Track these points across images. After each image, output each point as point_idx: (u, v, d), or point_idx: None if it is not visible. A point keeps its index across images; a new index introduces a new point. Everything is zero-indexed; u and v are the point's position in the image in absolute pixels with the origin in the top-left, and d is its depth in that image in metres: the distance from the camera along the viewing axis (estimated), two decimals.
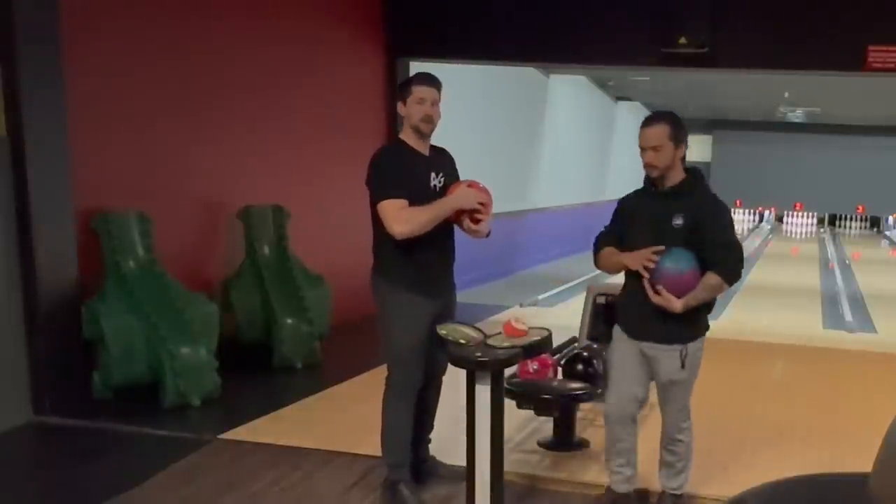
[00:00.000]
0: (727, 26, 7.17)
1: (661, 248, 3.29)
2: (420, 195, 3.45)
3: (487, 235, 3.62)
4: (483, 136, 10.54)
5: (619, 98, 18.49)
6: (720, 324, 8.87)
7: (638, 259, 3.35)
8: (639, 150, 3.36)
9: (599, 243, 3.55)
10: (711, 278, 3.32)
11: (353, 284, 7.53)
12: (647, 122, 3.41)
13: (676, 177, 3.40)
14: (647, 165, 3.37)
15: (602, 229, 3.58)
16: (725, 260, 3.35)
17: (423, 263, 3.51)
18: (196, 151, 5.76)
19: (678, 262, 3.27)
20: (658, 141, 3.33)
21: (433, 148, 3.65)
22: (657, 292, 3.30)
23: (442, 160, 3.66)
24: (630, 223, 3.48)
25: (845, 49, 7.05)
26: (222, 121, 6.00)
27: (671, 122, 3.38)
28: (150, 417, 4.72)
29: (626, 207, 3.54)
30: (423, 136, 3.55)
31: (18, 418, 4.61)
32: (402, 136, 3.58)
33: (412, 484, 3.69)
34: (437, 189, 3.54)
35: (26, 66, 4.48)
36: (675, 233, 3.33)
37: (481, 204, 3.54)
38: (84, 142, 4.82)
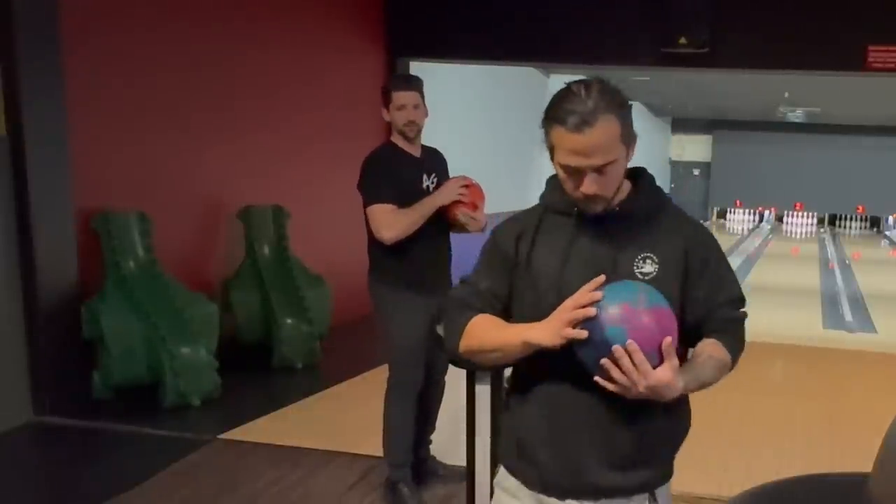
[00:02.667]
0: (727, 26, 7.17)
1: (600, 279, 1.66)
2: (412, 197, 3.47)
3: (483, 230, 3.62)
4: (483, 136, 10.54)
5: None
6: None
7: (564, 320, 1.64)
8: (559, 167, 1.77)
9: (462, 315, 1.87)
10: (720, 352, 1.83)
11: (353, 284, 7.52)
12: (577, 119, 1.68)
13: (620, 188, 1.82)
14: (586, 199, 1.76)
15: (457, 289, 1.94)
16: (736, 329, 1.89)
17: (418, 262, 3.52)
18: (196, 151, 5.76)
19: (648, 294, 1.67)
20: (606, 152, 1.72)
21: (425, 149, 3.66)
22: (612, 377, 1.61)
23: (434, 161, 3.66)
24: (533, 280, 1.83)
25: (845, 49, 7.05)
26: (223, 121, 6.00)
27: (618, 112, 1.72)
28: (150, 417, 4.72)
29: (522, 249, 1.85)
30: (411, 139, 3.56)
31: (18, 418, 4.61)
32: (393, 139, 3.60)
33: (412, 484, 3.69)
34: (429, 190, 3.54)
35: (26, 66, 4.48)
36: None
37: (463, 190, 3.54)
38: (84, 142, 4.82)
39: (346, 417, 4.83)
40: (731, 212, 25.58)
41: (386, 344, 3.61)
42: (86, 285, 4.87)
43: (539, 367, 1.80)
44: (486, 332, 1.83)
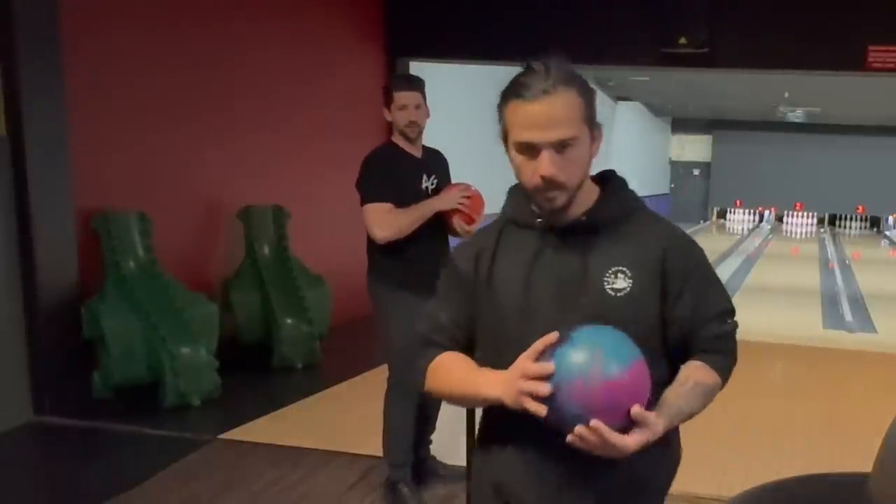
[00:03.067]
0: (727, 26, 7.17)
1: (550, 338, 1.46)
2: (411, 198, 3.46)
3: None
4: (483, 137, 10.52)
5: (619, 98, 18.49)
6: None
7: (520, 388, 1.47)
8: (515, 153, 1.60)
9: (424, 356, 1.74)
10: (708, 376, 1.65)
11: (353, 284, 7.53)
12: (536, 89, 1.55)
13: (586, 192, 1.65)
14: (544, 185, 1.57)
15: (420, 323, 1.78)
16: (726, 344, 1.72)
17: (416, 263, 3.51)
18: (196, 151, 5.76)
19: (604, 361, 1.44)
20: (566, 125, 1.55)
21: (426, 150, 3.65)
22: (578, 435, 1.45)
23: (435, 162, 3.66)
24: (495, 301, 1.67)
25: (845, 49, 7.05)
26: (223, 121, 6.00)
27: (579, 88, 1.60)
28: (150, 417, 4.72)
29: (482, 268, 1.70)
30: (412, 139, 3.55)
31: (18, 418, 4.61)
32: (394, 139, 3.59)
33: (412, 484, 3.69)
34: (429, 191, 3.54)
35: (26, 66, 4.48)
36: (614, 308, 1.59)
37: (465, 200, 3.53)
38: (84, 142, 4.82)
39: (346, 417, 4.83)
40: (731, 212, 25.58)
41: (385, 344, 3.61)
42: (86, 285, 4.87)
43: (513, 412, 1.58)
44: (448, 377, 1.69)
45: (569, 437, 1.43)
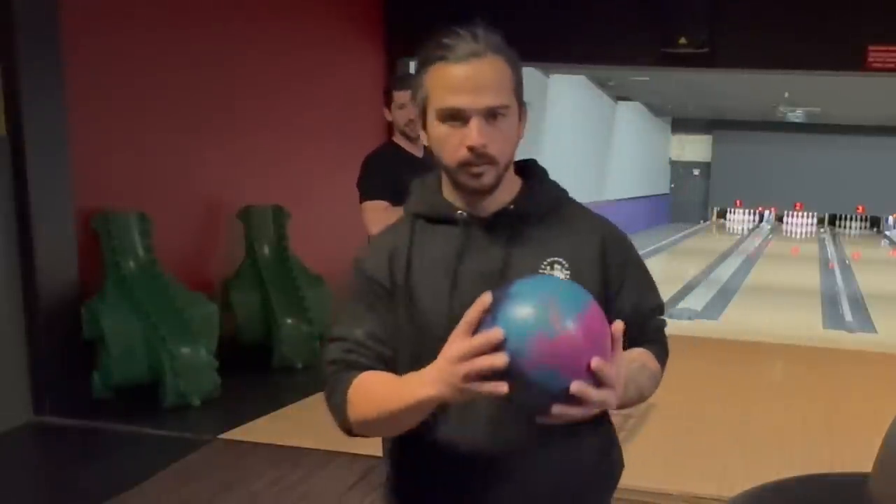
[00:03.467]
0: (727, 26, 7.17)
1: (486, 299, 1.23)
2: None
3: None
4: None
5: (619, 98, 18.49)
6: (720, 323, 8.91)
7: (460, 374, 1.23)
8: (437, 122, 1.44)
9: (339, 382, 1.52)
10: (652, 362, 1.57)
11: None
12: (465, 51, 1.42)
13: (510, 181, 1.51)
14: (471, 165, 1.42)
15: (328, 350, 1.55)
16: (662, 338, 1.65)
17: None
18: (196, 151, 5.76)
19: (560, 303, 1.23)
20: (497, 92, 1.42)
21: (427, 149, 3.66)
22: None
23: (433, 162, 3.66)
24: (415, 310, 1.49)
25: (845, 49, 7.05)
26: (223, 121, 6.00)
27: (508, 58, 1.47)
28: (150, 417, 4.72)
29: (397, 274, 1.50)
30: (413, 138, 3.56)
31: (18, 418, 4.61)
32: (395, 138, 3.60)
33: None
34: None
35: (26, 66, 4.48)
36: None
37: None
38: (84, 142, 4.82)
39: None
40: (731, 212, 25.57)
41: None
42: (86, 285, 4.87)
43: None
44: (372, 396, 1.41)
45: (555, 409, 1.19)
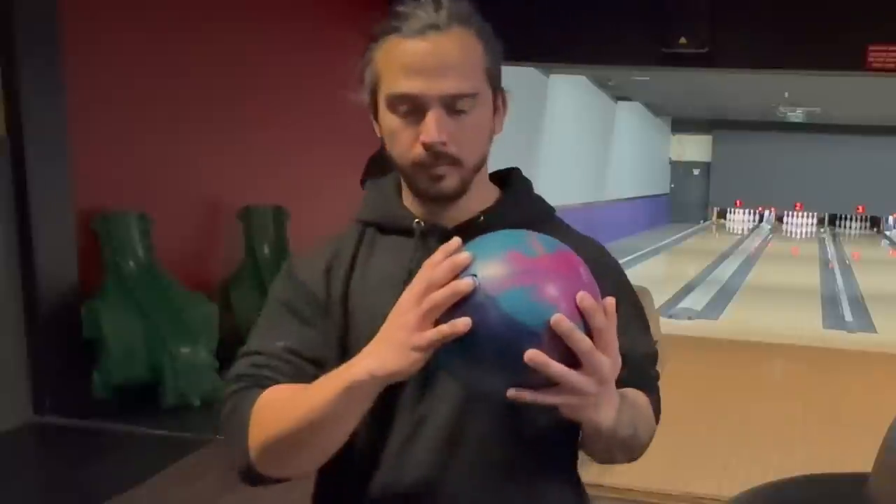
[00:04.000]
0: (727, 26, 7.17)
1: (455, 241, 1.00)
2: None
3: None
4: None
5: (619, 98, 18.50)
6: (720, 323, 8.91)
7: (411, 322, 0.98)
8: (388, 112, 1.20)
9: (243, 401, 1.23)
10: (646, 405, 1.29)
11: None
12: (422, 23, 1.16)
13: (484, 189, 1.29)
14: (428, 166, 1.17)
15: (235, 367, 1.34)
16: (657, 391, 1.36)
17: None
18: (196, 152, 5.76)
19: (541, 237, 1.03)
20: (462, 75, 1.16)
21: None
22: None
23: None
24: (352, 332, 1.23)
25: (845, 49, 7.06)
26: (223, 121, 6.00)
27: (480, 32, 1.23)
28: (150, 417, 4.71)
29: (335, 287, 1.27)
30: None
31: (18, 418, 4.61)
32: None
33: None
34: None
35: (26, 66, 4.48)
36: None
37: None
38: (84, 142, 4.82)
39: None
40: (731, 212, 25.58)
41: None
42: (86, 285, 4.87)
43: (371, 427, 1.16)
44: (283, 405, 1.12)
45: (528, 355, 0.90)
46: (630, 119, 19.99)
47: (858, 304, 10.41)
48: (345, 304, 1.24)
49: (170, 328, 4.85)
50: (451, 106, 1.14)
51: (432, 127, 1.13)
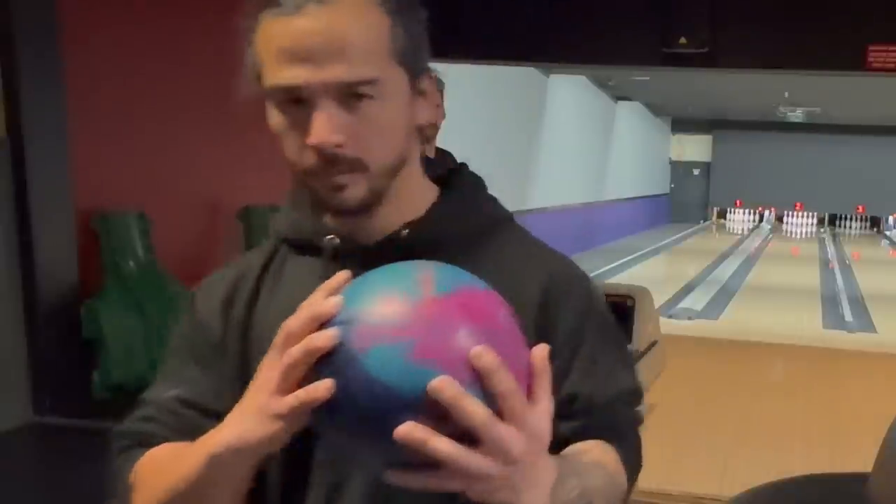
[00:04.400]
0: (727, 26, 7.17)
1: (341, 276, 0.83)
2: None
3: None
4: (482, 136, 10.55)
5: (619, 98, 18.50)
6: (720, 323, 8.91)
7: (273, 382, 0.79)
8: (273, 109, 1.06)
9: (126, 462, 1.19)
10: (612, 462, 0.98)
11: None
12: None
13: (414, 192, 1.06)
14: (323, 174, 0.98)
15: (129, 418, 1.22)
16: (633, 436, 1.06)
17: None
18: (196, 151, 5.76)
19: (439, 271, 0.81)
20: (355, 57, 0.92)
21: (438, 151, 3.67)
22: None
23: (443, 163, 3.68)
24: (251, 366, 0.94)
25: (845, 49, 7.05)
26: (222, 121, 5.99)
27: (385, 1, 0.95)
28: None
29: (234, 317, 1.07)
30: (428, 139, 3.57)
31: (18, 418, 4.61)
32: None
33: None
34: None
35: (26, 66, 4.48)
36: None
37: None
38: (84, 142, 4.82)
39: None
40: (731, 212, 25.59)
41: None
42: (85, 285, 4.87)
43: (283, 495, 1.01)
44: (158, 469, 1.00)
45: (399, 432, 0.70)
46: (630, 119, 20.00)
47: (858, 304, 10.41)
48: (245, 338, 1.03)
49: (170, 328, 4.84)
50: (346, 97, 0.92)
51: (320, 126, 0.92)
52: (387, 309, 0.75)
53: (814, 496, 1.76)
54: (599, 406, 1.01)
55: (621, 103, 18.93)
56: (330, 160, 0.95)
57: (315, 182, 0.98)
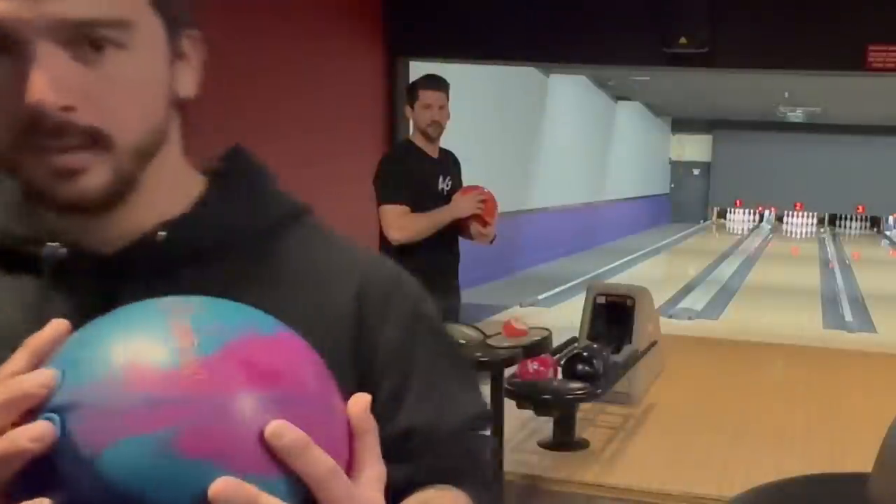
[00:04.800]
0: (728, 27, 7.18)
1: (58, 327, 0.56)
2: (427, 198, 3.48)
3: (492, 242, 3.63)
4: (482, 136, 10.55)
5: (619, 98, 18.50)
6: (720, 323, 8.91)
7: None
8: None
9: None
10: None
11: None
12: None
13: (175, 184, 0.86)
14: (40, 149, 0.66)
15: None
16: (481, 472, 0.85)
17: (424, 266, 3.50)
18: (191, 151, 5.75)
19: (200, 320, 0.54)
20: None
21: (442, 151, 3.68)
22: None
23: (449, 163, 3.68)
24: None
25: (845, 49, 7.06)
26: (218, 120, 5.98)
27: None
28: None
29: None
30: (432, 139, 3.57)
31: None
32: (412, 137, 3.61)
33: None
34: (445, 192, 3.55)
35: None
36: None
37: (481, 204, 3.55)
38: None
39: None
40: (731, 212, 25.59)
41: None
42: None
43: None
44: None
45: None
46: (630, 119, 20.00)
47: (858, 303, 10.41)
48: None
49: None
50: (82, 44, 0.67)
51: (40, 81, 0.64)
52: (132, 381, 0.51)
53: (814, 496, 1.77)
54: (443, 440, 0.81)
55: (621, 103, 18.93)
56: (54, 131, 0.66)
57: (30, 163, 0.68)
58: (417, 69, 8.17)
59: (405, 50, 7.97)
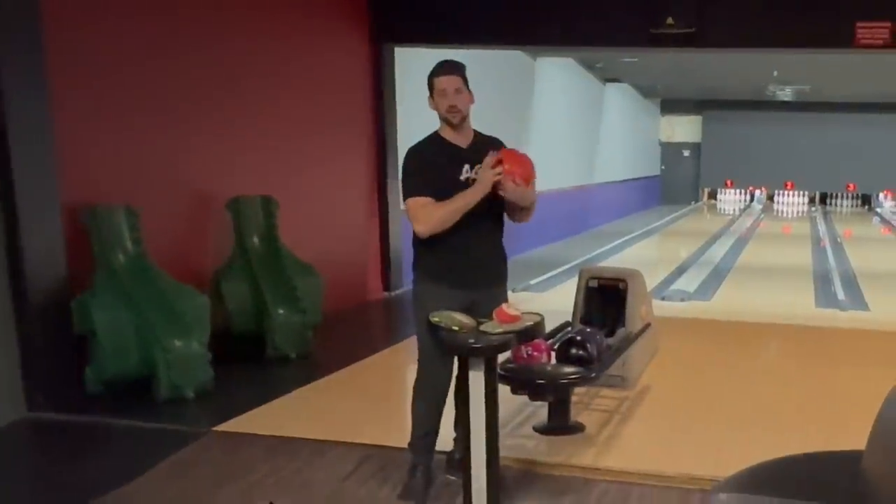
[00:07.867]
0: (714, 6, 7.16)
1: None
2: (448, 190, 3.41)
3: (531, 206, 3.57)
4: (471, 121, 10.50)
5: (607, 80, 18.45)
6: (713, 304, 8.92)
7: None
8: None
9: None
10: None
11: (344, 273, 7.50)
12: None
13: None
14: None
15: None
16: None
17: (450, 257, 3.47)
18: (183, 144, 5.73)
19: None
20: None
21: (478, 138, 3.59)
22: None
23: (483, 151, 3.52)
24: None
25: (833, 26, 7.05)
26: (209, 113, 5.96)
27: None
28: (144, 411, 4.70)
29: None
30: (457, 126, 3.51)
31: (12, 414, 4.59)
32: (439, 129, 3.56)
33: (427, 473, 3.67)
34: (470, 182, 3.47)
35: (8, 63, 4.43)
36: None
37: (498, 176, 3.42)
38: (70, 136, 4.78)
39: (340, 407, 4.82)
40: (721, 192, 25.60)
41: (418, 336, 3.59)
42: (75, 280, 4.84)
43: None
44: None
45: None
46: (619, 101, 19.95)
47: (850, 282, 10.43)
48: None
49: (161, 321, 4.83)
50: None
51: None
52: None
53: (808, 474, 1.77)
54: None
55: (610, 85, 18.88)
56: None
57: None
58: (403, 55, 8.13)
59: (390, 36, 7.93)
